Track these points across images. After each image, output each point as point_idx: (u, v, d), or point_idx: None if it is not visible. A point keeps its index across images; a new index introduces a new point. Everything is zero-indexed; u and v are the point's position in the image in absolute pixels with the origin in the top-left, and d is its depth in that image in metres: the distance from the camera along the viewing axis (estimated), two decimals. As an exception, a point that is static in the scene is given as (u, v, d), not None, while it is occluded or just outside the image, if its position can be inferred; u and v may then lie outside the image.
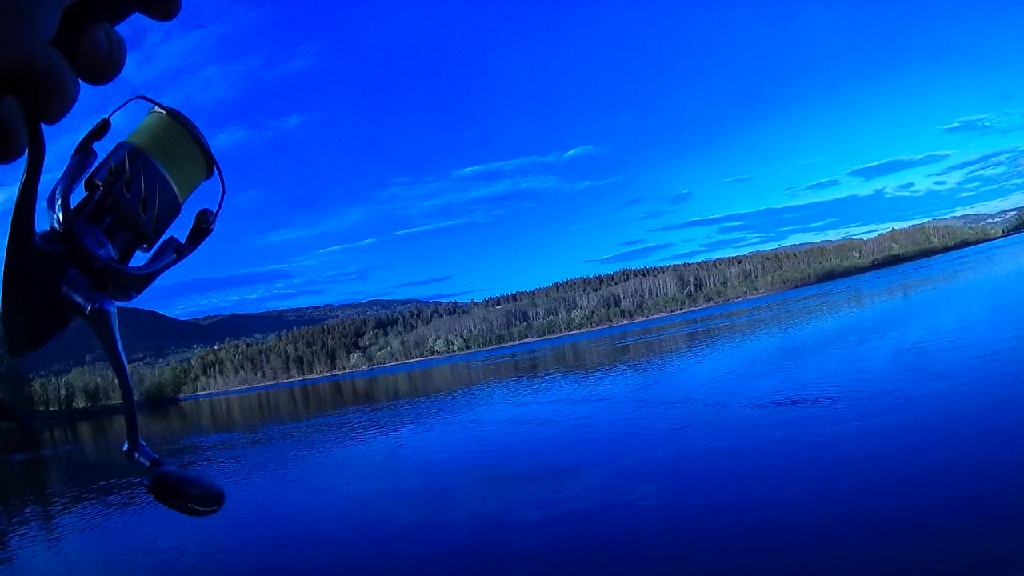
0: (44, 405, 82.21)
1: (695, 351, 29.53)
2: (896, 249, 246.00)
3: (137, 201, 0.52)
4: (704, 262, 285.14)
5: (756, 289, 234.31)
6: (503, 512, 7.75)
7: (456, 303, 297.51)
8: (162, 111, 0.55)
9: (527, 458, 10.77)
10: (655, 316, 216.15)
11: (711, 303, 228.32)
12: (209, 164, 0.58)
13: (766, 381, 14.22)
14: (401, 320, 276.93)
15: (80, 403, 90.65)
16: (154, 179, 0.54)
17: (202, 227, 0.58)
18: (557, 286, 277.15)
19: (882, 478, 6.32)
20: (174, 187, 0.56)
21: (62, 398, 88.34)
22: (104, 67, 0.35)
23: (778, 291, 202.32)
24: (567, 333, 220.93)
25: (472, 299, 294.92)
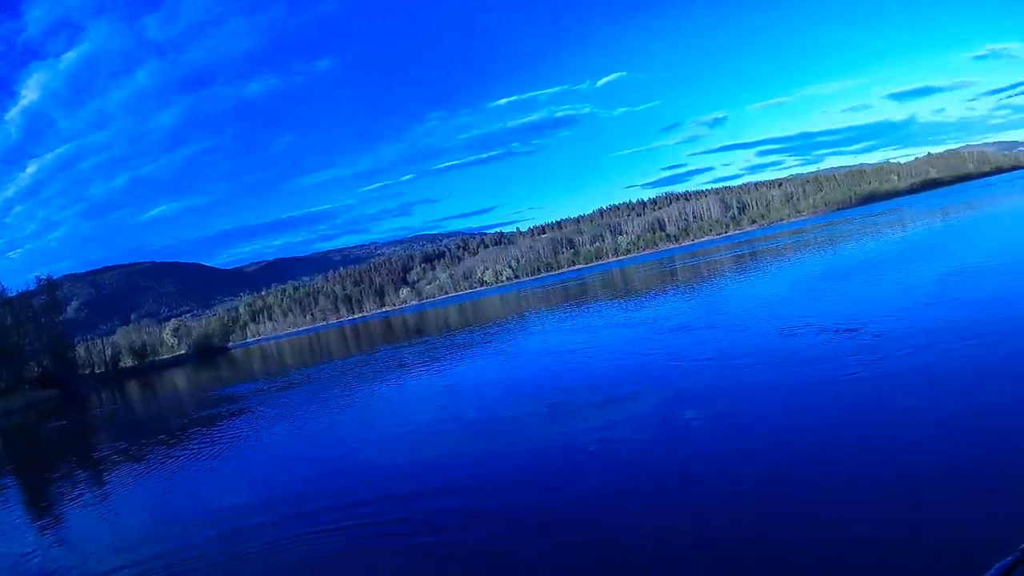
0: (90, 368, 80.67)
1: (742, 275, 29.88)
2: (933, 173, 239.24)
3: None
4: (746, 185, 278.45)
5: (799, 211, 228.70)
6: (551, 437, 8.15)
7: (501, 233, 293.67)
8: None
9: (573, 389, 10.97)
10: (701, 239, 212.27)
11: (755, 225, 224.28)
12: None
13: (818, 304, 14.89)
14: (448, 253, 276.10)
15: (127, 361, 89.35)
16: None
17: None
18: (601, 212, 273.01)
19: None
20: None
21: (107, 359, 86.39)
22: None
23: (820, 213, 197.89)
24: (615, 259, 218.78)
25: (517, 228, 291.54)
